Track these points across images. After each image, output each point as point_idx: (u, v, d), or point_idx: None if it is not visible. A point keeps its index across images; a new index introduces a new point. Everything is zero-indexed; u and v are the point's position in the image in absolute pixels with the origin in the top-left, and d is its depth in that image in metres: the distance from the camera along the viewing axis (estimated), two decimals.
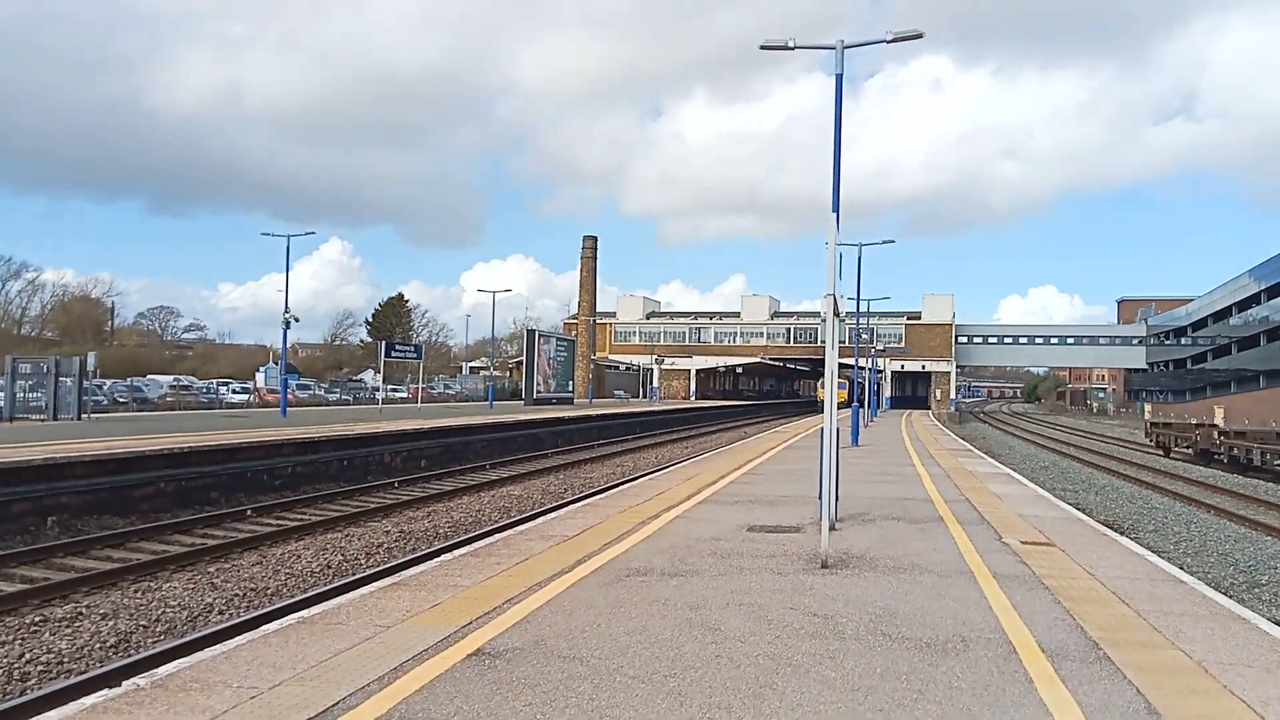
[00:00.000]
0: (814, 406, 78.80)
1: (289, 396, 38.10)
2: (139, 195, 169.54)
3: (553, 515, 11.71)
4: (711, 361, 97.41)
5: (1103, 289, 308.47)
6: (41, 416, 25.93)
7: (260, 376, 69.21)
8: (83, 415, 26.78)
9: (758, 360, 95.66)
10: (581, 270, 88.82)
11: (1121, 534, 11.94)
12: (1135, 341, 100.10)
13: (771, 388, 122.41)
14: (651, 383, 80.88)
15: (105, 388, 45.92)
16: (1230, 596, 9.07)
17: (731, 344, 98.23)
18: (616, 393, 77.46)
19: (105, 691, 4.87)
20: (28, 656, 8.04)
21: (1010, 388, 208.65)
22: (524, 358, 50.33)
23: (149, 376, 60.63)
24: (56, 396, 26.17)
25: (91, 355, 30.71)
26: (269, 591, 10.79)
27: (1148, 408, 43.70)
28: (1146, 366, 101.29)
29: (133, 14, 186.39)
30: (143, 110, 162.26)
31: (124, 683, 4.99)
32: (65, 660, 8.06)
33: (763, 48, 10.93)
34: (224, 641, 5.95)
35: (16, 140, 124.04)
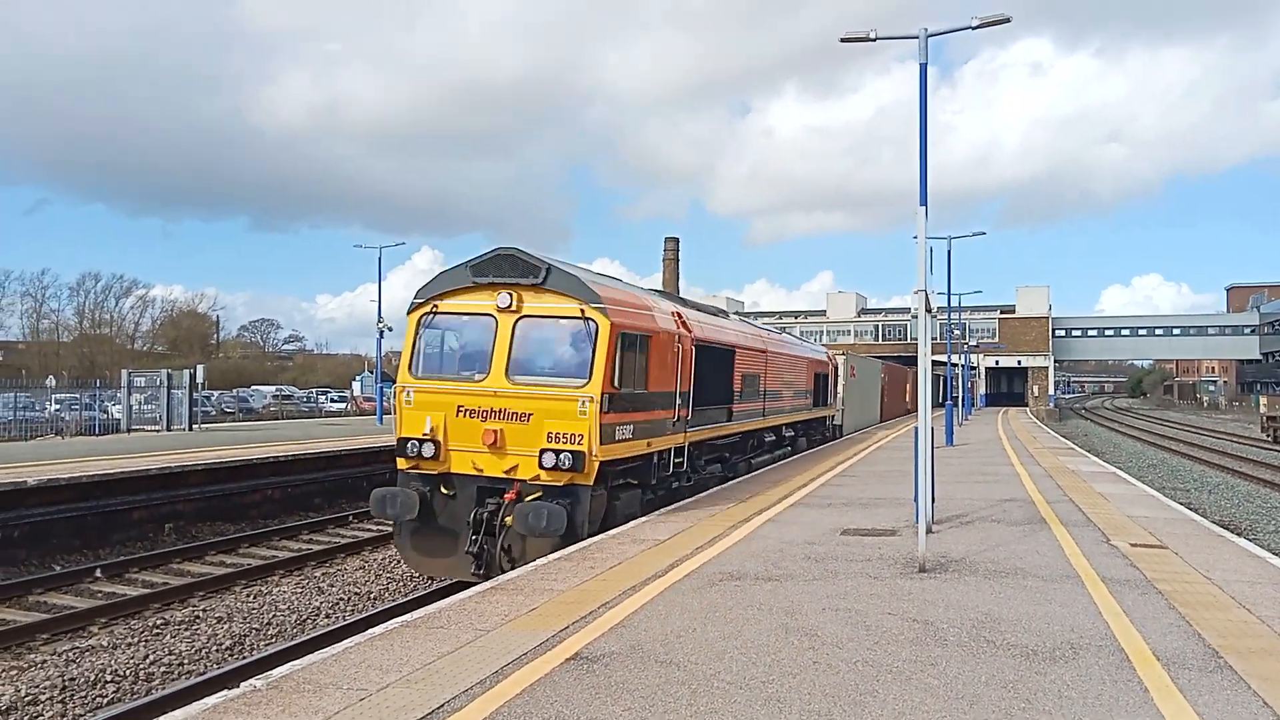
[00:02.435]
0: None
1: (384, 404, 39.10)
2: (243, 212, 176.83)
3: (644, 519, 11.75)
4: None
5: (1211, 276, 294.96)
6: (156, 427, 27.30)
7: (356, 385, 71.20)
8: (193, 426, 28.08)
9: None
10: (664, 272, 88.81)
11: (1239, 535, 11.37)
12: (1247, 330, 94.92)
13: None
14: None
15: (213, 399, 48.12)
16: None
17: (818, 343, 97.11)
18: None
19: (225, 692, 5.09)
20: (151, 658, 8.48)
21: (1113, 382, 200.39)
22: None
23: (253, 387, 63.35)
24: (169, 408, 27.52)
25: (200, 368, 32.24)
26: (372, 595, 11.13)
27: (1263, 400, 41.32)
28: (1261, 357, 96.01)
29: (237, 34, 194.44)
30: (247, 128, 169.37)
31: (241, 684, 5.22)
32: (185, 662, 8.48)
33: (843, 40, 10.78)
34: (333, 644, 6.15)
35: (132, 163, 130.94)
